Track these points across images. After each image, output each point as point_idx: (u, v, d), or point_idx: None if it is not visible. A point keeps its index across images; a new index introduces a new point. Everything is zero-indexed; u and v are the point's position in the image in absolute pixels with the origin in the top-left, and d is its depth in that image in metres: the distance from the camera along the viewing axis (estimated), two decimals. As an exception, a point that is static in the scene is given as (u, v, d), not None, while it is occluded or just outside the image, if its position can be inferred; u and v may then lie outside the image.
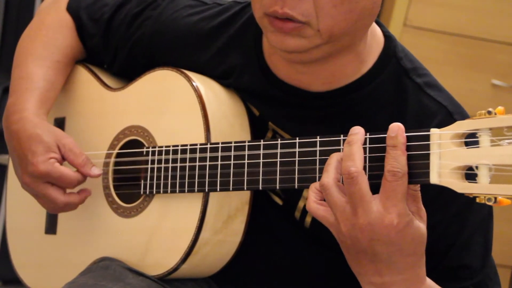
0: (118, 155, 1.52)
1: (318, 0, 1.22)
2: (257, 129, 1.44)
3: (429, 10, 3.03)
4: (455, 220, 1.31)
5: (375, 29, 1.38)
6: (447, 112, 1.33)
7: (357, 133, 1.12)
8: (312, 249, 1.44)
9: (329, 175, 1.11)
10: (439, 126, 1.27)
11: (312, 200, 1.13)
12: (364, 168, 1.11)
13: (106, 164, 1.52)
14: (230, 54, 1.46)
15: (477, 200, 1.00)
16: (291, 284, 1.48)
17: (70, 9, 1.63)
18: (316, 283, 1.47)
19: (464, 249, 1.32)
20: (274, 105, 1.41)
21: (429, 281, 1.17)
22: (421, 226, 1.10)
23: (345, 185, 1.09)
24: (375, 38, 1.37)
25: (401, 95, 1.35)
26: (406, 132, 1.09)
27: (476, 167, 1.00)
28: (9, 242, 1.73)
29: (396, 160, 1.07)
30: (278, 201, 1.43)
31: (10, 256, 1.73)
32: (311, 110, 1.38)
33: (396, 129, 1.08)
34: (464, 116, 1.35)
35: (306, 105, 1.38)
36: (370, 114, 1.35)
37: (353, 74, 1.36)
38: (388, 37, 1.39)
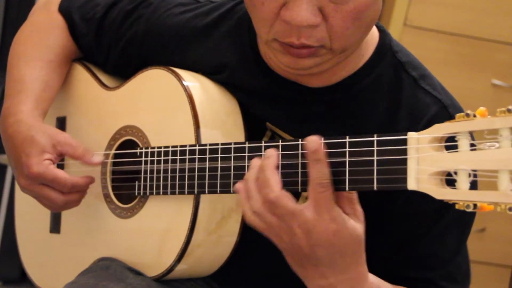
0: (115, 156, 1.52)
1: (331, 26, 1.22)
2: (255, 129, 1.44)
3: (429, 10, 3.01)
4: (436, 210, 1.33)
5: None
6: (442, 105, 1.34)
7: (269, 156, 1.18)
8: None
9: (257, 202, 1.17)
10: (434, 119, 1.31)
11: (251, 214, 1.18)
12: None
13: (104, 164, 1.53)
14: (224, 50, 1.46)
15: (456, 206, 0.99)
16: (294, 284, 1.48)
17: (62, 9, 1.63)
18: None
19: (437, 238, 1.34)
20: (271, 102, 1.41)
21: (372, 277, 1.21)
22: (357, 226, 1.14)
23: (272, 210, 1.15)
24: (370, 32, 1.37)
25: (396, 88, 1.36)
26: (382, 136, 1.09)
27: (455, 173, 0.98)
28: (18, 240, 1.75)
29: (321, 172, 1.13)
30: None
31: (20, 254, 1.74)
32: (309, 106, 1.39)
33: (315, 145, 1.13)
34: (458, 110, 1.35)
35: (304, 101, 1.39)
36: (368, 107, 1.36)
37: (350, 68, 1.37)
38: (382, 31, 1.40)
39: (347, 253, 1.15)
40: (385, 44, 1.38)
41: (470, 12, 3.02)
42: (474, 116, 0.97)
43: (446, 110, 1.34)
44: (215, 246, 1.41)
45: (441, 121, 1.31)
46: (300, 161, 1.18)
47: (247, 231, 1.42)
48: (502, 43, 3.05)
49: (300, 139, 1.18)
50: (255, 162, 1.20)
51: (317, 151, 1.14)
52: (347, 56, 1.31)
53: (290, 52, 1.26)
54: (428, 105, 1.34)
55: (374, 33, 1.39)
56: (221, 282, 1.53)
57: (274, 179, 1.16)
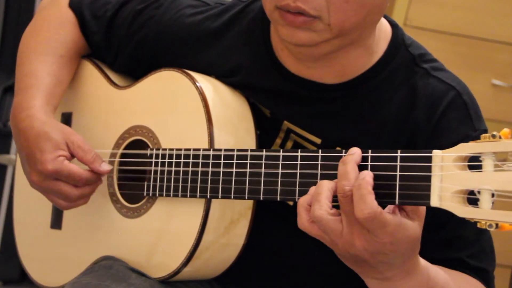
0: (123, 155, 1.52)
1: None
2: (269, 131, 1.44)
3: (429, 10, 3.02)
4: None
5: (381, 19, 1.40)
6: (456, 92, 1.37)
7: (353, 153, 1.13)
8: (321, 247, 1.44)
9: (322, 206, 1.11)
10: (450, 105, 1.35)
11: (306, 220, 1.14)
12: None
13: (111, 163, 1.52)
14: (237, 52, 1.46)
15: (478, 225, 1.00)
16: (297, 284, 1.49)
17: (72, 5, 1.63)
18: (323, 282, 1.48)
19: (460, 221, 1.34)
20: (288, 101, 1.42)
21: (422, 261, 1.20)
22: (414, 226, 1.11)
23: (341, 204, 1.10)
24: (382, 28, 1.40)
25: (410, 80, 1.38)
26: (407, 153, 1.09)
27: (478, 192, 0.99)
28: (15, 234, 1.74)
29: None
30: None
31: (17, 248, 1.73)
32: (325, 104, 1.40)
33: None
34: (471, 97, 1.40)
35: (320, 98, 1.40)
36: (384, 100, 1.38)
37: (363, 65, 1.38)
38: (394, 26, 1.42)
39: (406, 253, 1.14)
40: (398, 38, 1.41)
41: (470, 12, 3.04)
42: (500, 137, 0.98)
43: (460, 97, 1.37)
44: (222, 250, 1.42)
45: (457, 107, 1.35)
46: (319, 172, 1.19)
47: (253, 233, 1.44)
48: (502, 43, 3.06)
49: (320, 150, 1.19)
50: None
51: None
52: (346, 42, 1.32)
53: (286, 19, 1.27)
54: (443, 92, 1.37)
55: (387, 28, 1.41)
56: (223, 283, 1.53)
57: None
